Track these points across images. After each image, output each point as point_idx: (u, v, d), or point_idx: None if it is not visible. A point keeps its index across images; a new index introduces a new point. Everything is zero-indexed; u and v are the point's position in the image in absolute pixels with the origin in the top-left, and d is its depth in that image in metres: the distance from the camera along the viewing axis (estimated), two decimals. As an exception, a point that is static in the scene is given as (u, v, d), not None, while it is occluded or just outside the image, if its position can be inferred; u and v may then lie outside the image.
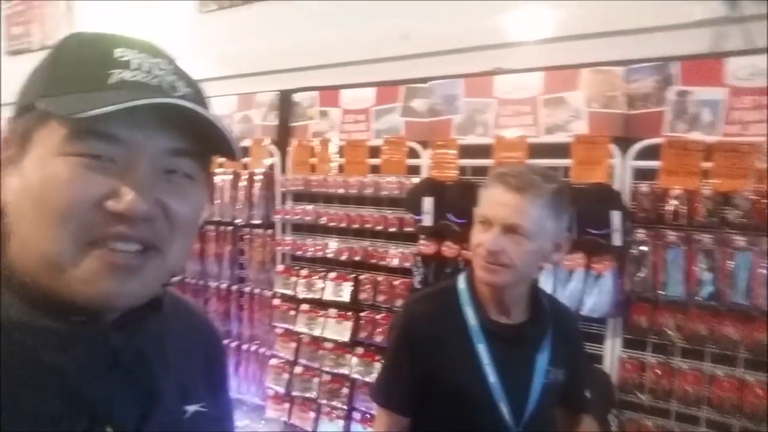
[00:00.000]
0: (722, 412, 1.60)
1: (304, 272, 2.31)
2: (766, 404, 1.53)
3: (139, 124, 0.45)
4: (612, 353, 1.75)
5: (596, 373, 1.73)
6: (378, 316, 2.13)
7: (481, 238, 1.06)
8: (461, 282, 1.18)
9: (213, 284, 2.59)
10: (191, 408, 0.58)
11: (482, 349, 1.10)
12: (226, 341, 2.55)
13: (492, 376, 1.09)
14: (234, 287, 2.55)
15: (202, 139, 0.50)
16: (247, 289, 2.52)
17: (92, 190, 0.44)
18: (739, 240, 1.55)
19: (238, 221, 2.46)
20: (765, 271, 1.51)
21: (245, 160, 2.44)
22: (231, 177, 2.45)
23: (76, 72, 0.46)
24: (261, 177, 2.40)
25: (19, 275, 0.47)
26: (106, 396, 0.48)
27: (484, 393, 1.08)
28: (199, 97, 0.52)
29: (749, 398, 1.55)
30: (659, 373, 1.68)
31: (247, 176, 2.43)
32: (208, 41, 2.57)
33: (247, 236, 2.51)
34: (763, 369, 1.55)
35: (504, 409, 1.08)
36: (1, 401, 0.43)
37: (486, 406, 1.08)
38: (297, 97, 2.42)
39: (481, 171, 1.89)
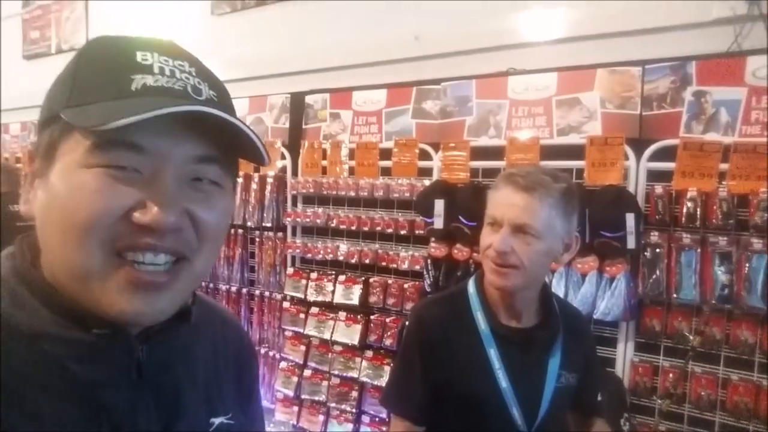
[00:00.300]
0: (737, 416, 1.58)
1: (314, 275, 2.31)
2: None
3: (163, 131, 0.44)
4: (624, 357, 1.74)
5: (608, 377, 1.72)
6: (388, 319, 2.12)
7: (490, 239, 1.06)
8: (471, 286, 1.18)
9: (223, 287, 2.60)
10: (217, 420, 0.58)
11: (493, 354, 1.09)
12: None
13: (504, 381, 1.08)
14: (244, 290, 2.56)
15: (229, 145, 0.48)
16: (257, 292, 2.52)
17: (118, 201, 0.43)
18: (757, 242, 1.54)
19: (249, 224, 2.47)
20: (782, 274, 1.49)
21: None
22: (242, 180, 2.46)
23: (99, 79, 0.45)
24: (272, 179, 2.41)
25: (47, 286, 0.47)
26: (130, 408, 0.48)
27: (496, 398, 1.07)
28: (224, 100, 0.50)
29: (765, 403, 1.53)
30: (672, 377, 1.67)
31: (258, 179, 2.44)
32: (221, 43, 2.59)
33: (258, 239, 2.51)
34: (780, 373, 1.54)
35: (516, 413, 1.07)
36: (25, 410, 0.43)
37: (498, 411, 1.08)
38: (309, 99, 2.43)
39: (492, 173, 1.89)
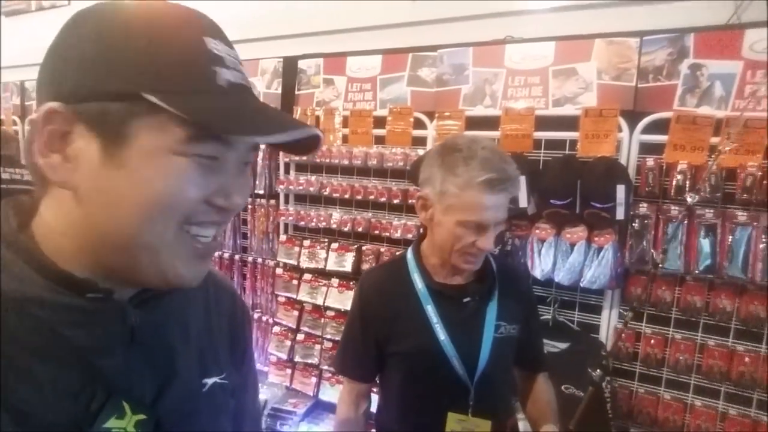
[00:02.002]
0: (710, 378, 1.67)
1: (307, 242, 2.33)
2: (752, 371, 1.60)
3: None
4: (609, 323, 1.80)
5: (591, 342, 1.79)
6: (380, 286, 2.16)
7: (470, 238, 1.09)
8: (409, 252, 1.26)
9: (216, 253, 2.60)
10: (210, 381, 0.60)
11: (431, 310, 1.16)
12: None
13: (442, 334, 1.15)
14: (237, 256, 2.57)
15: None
16: (250, 259, 2.53)
17: (207, 189, 0.47)
18: (741, 215, 1.58)
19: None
20: (763, 246, 1.54)
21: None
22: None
23: (179, 66, 0.44)
24: (264, 146, 2.38)
25: (37, 251, 0.47)
26: (123, 371, 0.49)
27: (436, 351, 1.14)
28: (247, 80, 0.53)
29: (736, 366, 1.62)
30: (653, 342, 1.74)
31: (249, 145, 2.40)
32: (211, 5, 2.49)
33: (250, 206, 2.51)
34: (752, 339, 1.61)
35: (457, 364, 1.14)
36: (18, 376, 0.43)
37: (440, 363, 1.14)
38: (302, 64, 2.38)
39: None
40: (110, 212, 0.46)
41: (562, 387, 1.68)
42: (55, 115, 0.44)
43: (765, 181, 1.53)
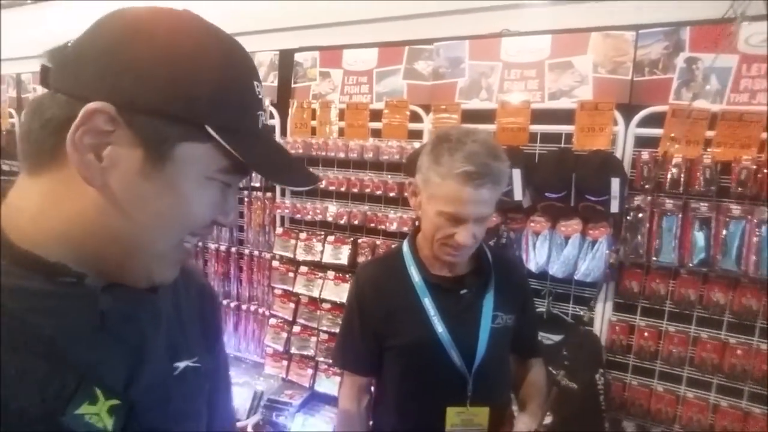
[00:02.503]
0: (702, 371, 1.68)
1: (303, 235, 2.33)
2: (744, 364, 1.61)
3: None
4: (603, 316, 1.81)
5: (585, 335, 1.80)
6: (376, 279, 2.17)
7: (449, 230, 1.08)
8: (405, 245, 1.26)
9: (212, 246, 2.61)
10: (182, 364, 0.60)
11: (428, 302, 1.17)
12: (225, 301, 2.59)
13: (440, 326, 1.15)
14: (233, 249, 2.57)
15: None
16: (247, 251, 2.54)
17: (219, 210, 0.54)
18: (736, 209, 1.59)
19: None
20: (757, 240, 1.55)
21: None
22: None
23: (234, 105, 0.50)
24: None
25: (4, 237, 0.47)
26: (94, 358, 0.49)
27: (434, 343, 1.15)
28: None
29: (728, 358, 1.63)
30: (647, 335, 1.75)
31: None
32: (206, -4, 2.48)
33: (247, 198, 2.51)
34: (745, 332, 1.62)
35: (455, 355, 1.14)
36: None
37: (438, 355, 1.15)
38: (298, 57, 2.37)
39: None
40: (134, 218, 0.48)
41: (557, 378, 1.69)
42: (101, 114, 0.45)
43: (759, 175, 1.53)
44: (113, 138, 0.46)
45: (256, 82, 0.52)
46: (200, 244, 2.64)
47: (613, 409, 1.79)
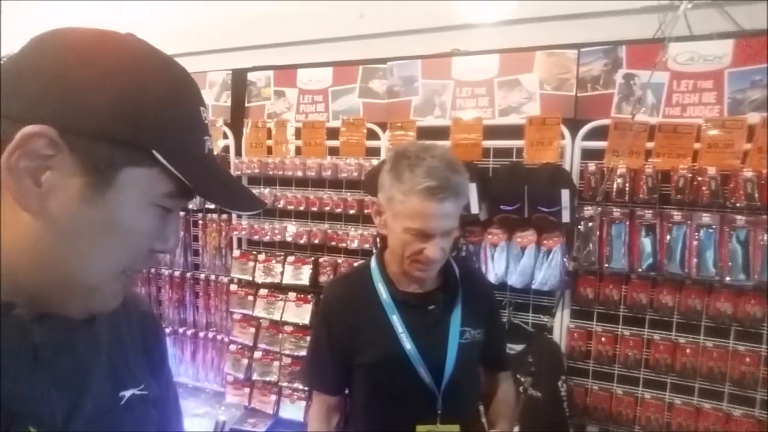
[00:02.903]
0: (657, 371, 1.75)
1: (261, 257, 2.28)
2: (693, 361, 1.69)
3: None
4: (561, 324, 1.86)
5: (547, 343, 1.84)
6: (339, 298, 2.14)
7: (417, 246, 1.09)
8: (373, 261, 1.25)
9: (166, 272, 2.50)
10: (128, 393, 0.58)
11: (396, 319, 1.16)
12: (182, 329, 2.48)
13: (408, 343, 1.14)
14: (188, 274, 2.48)
15: None
16: (203, 276, 2.45)
17: (159, 236, 0.51)
18: (677, 215, 1.68)
19: (190, 206, 2.38)
20: (697, 243, 1.65)
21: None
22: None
23: (184, 129, 0.49)
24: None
25: None
26: (28, 394, 0.46)
27: (402, 360, 1.14)
28: None
29: (680, 358, 1.71)
30: (604, 340, 1.81)
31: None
32: (157, 16, 2.43)
33: (201, 221, 2.43)
34: (692, 331, 1.71)
35: (423, 372, 1.14)
36: None
37: (407, 372, 1.14)
38: (251, 76, 2.34)
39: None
40: (72, 246, 0.46)
41: (520, 388, 1.71)
42: (40, 138, 0.42)
43: (695, 183, 1.63)
44: (53, 162, 0.43)
45: (201, 108, 0.52)
46: (152, 270, 2.53)
47: (576, 415, 1.82)
